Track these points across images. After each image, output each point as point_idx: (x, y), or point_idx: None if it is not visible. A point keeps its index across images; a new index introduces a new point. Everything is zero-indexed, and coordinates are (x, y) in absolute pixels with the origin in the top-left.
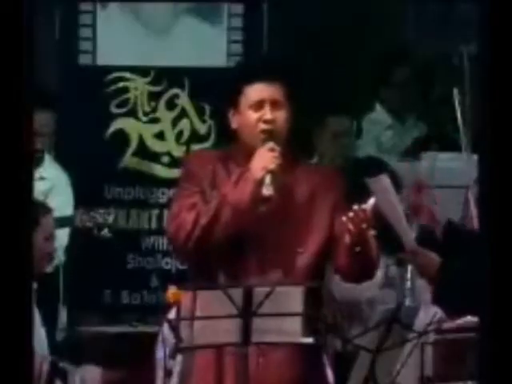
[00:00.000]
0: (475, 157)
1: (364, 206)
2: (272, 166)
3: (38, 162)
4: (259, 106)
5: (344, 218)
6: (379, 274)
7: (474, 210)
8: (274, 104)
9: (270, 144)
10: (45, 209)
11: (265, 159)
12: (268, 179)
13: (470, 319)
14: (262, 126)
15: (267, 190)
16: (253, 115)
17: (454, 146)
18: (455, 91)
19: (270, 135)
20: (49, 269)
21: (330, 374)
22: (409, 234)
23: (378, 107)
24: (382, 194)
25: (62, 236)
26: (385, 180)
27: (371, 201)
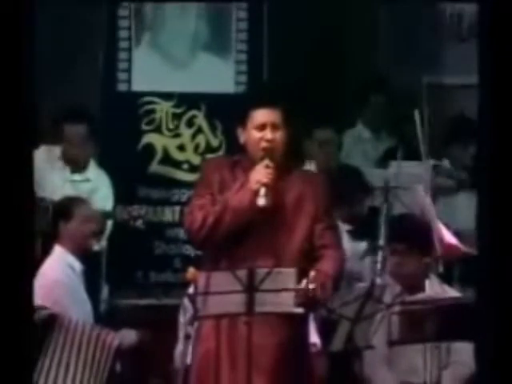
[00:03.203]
0: (431, 163)
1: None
2: (265, 180)
3: (84, 166)
4: (262, 127)
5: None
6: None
7: (427, 206)
8: (274, 126)
9: (266, 161)
10: (78, 201)
11: (260, 174)
12: (263, 191)
13: (427, 294)
14: (264, 144)
15: (261, 201)
16: (257, 134)
17: (415, 155)
18: (416, 112)
19: (269, 151)
20: (95, 247)
21: (317, 337)
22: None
23: (360, 125)
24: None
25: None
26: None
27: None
